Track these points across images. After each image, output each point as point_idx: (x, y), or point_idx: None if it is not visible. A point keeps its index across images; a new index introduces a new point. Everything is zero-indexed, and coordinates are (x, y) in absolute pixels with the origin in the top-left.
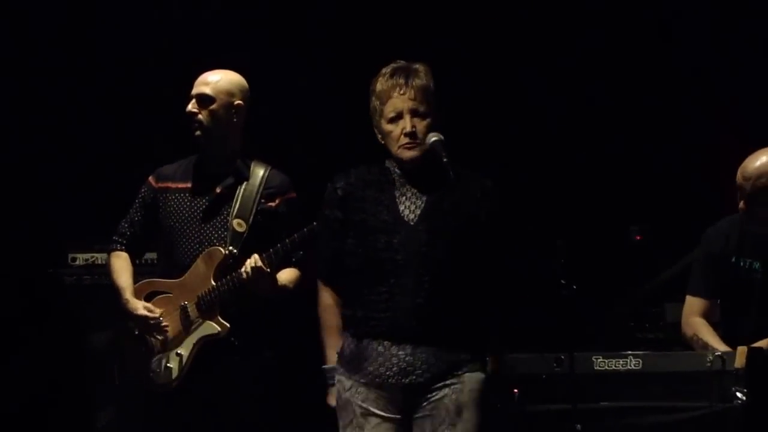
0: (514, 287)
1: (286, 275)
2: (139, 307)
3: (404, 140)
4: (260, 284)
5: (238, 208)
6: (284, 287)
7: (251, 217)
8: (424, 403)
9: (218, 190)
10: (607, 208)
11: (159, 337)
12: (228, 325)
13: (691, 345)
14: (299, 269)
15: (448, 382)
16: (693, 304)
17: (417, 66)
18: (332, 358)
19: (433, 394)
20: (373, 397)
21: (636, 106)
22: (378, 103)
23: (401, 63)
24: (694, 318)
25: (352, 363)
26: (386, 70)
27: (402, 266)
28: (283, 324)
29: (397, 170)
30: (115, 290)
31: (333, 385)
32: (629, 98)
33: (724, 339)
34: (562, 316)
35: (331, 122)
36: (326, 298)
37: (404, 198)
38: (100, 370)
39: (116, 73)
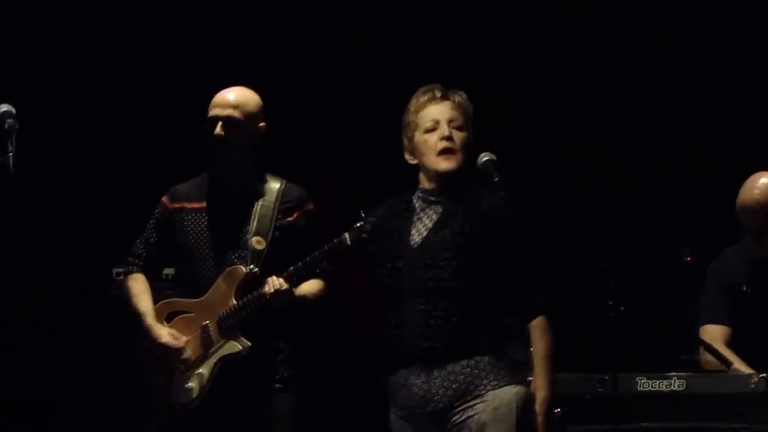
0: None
1: (308, 286)
2: (164, 333)
3: (442, 144)
4: (280, 303)
5: (257, 226)
6: (302, 298)
7: (270, 234)
8: (450, 427)
9: (235, 209)
10: (657, 229)
11: (181, 359)
12: (249, 344)
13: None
14: (324, 279)
15: (469, 403)
16: (714, 332)
17: (454, 89)
18: None
19: (456, 417)
20: (410, 428)
21: (689, 126)
22: (413, 117)
23: (436, 84)
24: (718, 345)
25: (391, 397)
26: (422, 88)
27: (404, 291)
28: (305, 342)
29: (420, 194)
30: (135, 314)
31: None
32: (682, 118)
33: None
34: (608, 338)
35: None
36: None
37: (419, 223)
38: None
39: (159, 89)
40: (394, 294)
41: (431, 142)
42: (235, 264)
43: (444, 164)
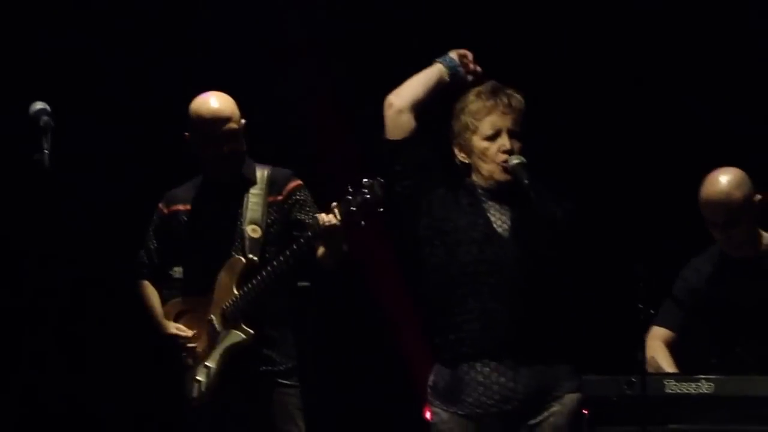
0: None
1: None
2: (171, 327)
3: (502, 157)
4: (332, 244)
5: (250, 214)
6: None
7: (264, 220)
8: (522, 427)
9: (228, 203)
10: (687, 233)
11: (191, 354)
12: (252, 332)
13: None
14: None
15: (548, 405)
16: (657, 332)
17: (514, 90)
18: None
19: (532, 418)
20: (472, 429)
21: (723, 130)
22: (471, 119)
23: (495, 83)
24: (655, 342)
25: (448, 395)
26: (483, 89)
27: (496, 280)
28: (308, 328)
29: (479, 189)
30: (145, 316)
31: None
32: (716, 122)
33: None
34: (637, 340)
35: None
36: None
37: (494, 210)
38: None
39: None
40: (480, 280)
41: (492, 152)
42: (234, 255)
43: (504, 176)
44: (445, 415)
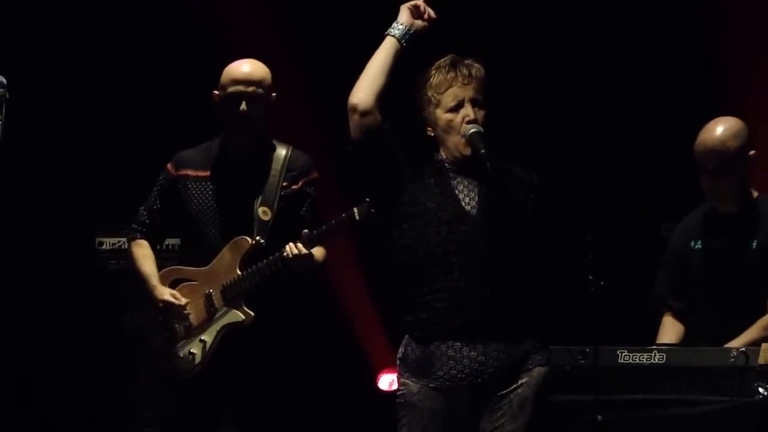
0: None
1: (316, 253)
2: (166, 293)
3: (466, 127)
4: (300, 267)
5: (263, 196)
6: (318, 264)
7: (275, 204)
8: (491, 399)
9: (242, 178)
10: (638, 205)
11: (183, 324)
12: (252, 314)
13: None
14: (324, 247)
15: (517, 376)
16: (664, 315)
17: (473, 60)
18: None
19: (501, 389)
20: (441, 400)
21: (672, 103)
22: (433, 93)
23: (454, 56)
24: (664, 319)
25: (419, 368)
26: (442, 62)
27: (466, 259)
28: (306, 314)
29: (447, 164)
30: (140, 278)
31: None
32: (665, 94)
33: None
34: (589, 311)
35: None
36: None
37: (462, 187)
38: (129, 351)
39: (143, 54)
40: (450, 260)
41: (455, 123)
42: (241, 234)
43: (468, 150)
44: (414, 387)
